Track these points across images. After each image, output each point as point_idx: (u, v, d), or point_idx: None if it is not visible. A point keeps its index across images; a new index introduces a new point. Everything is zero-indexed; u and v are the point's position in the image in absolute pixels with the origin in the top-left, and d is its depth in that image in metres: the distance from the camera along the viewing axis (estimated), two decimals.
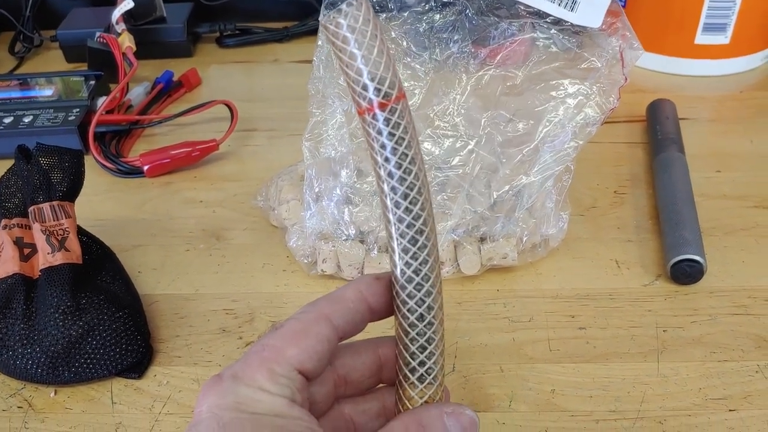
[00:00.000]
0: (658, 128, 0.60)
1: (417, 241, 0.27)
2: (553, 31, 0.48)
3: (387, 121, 0.26)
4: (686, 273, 0.46)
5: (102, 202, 0.58)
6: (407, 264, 0.27)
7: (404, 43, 0.48)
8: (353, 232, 0.48)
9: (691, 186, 0.53)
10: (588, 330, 0.44)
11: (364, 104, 0.26)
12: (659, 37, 0.71)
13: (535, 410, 0.39)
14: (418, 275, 0.27)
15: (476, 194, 0.48)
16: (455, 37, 0.49)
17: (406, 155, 0.26)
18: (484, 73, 0.48)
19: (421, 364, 0.28)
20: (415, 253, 0.27)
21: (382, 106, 0.26)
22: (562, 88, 0.47)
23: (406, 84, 0.49)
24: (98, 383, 0.42)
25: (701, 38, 0.70)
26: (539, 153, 0.47)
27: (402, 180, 0.26)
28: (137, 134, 0.66)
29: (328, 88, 0.47)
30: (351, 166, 0.49)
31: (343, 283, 0.48)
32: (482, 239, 0.48)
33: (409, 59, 0.49)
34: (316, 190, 0.49)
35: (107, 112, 0.65)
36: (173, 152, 0.60)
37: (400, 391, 0.29)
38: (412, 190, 0.27)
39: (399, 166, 0.26)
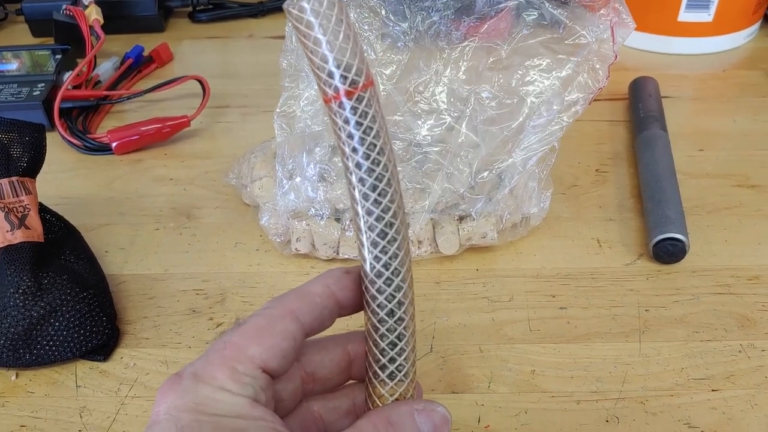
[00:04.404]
0: (641, 106, 0.59)
1: (386, 234, 0.26)
2: (542, 0, 0.47)
3: (354, 109, 0.25)
4: (669, 252, 0.45)
5: (68, 179, 0.56)
6: (376, 258, 0.26)
7: (383, 12, 0.47)
8: (328, 210, 0.46)
9: (674, 164, 0.52)
10: (569, 310, 0.43)
11: (330, 92, 0.25)
12: (642, 15, 0.70)
13: (515, 391, 0.38)
14: (387, 269, 0.26)
15: (456, 173, 0.46)
16: (437, 6, 0.47)
17: (375, 145, 0.25)
18: (467, 45, 0.47)
19: (392, 360, 0.27)
20: (384, 246, 0.26)
21: (348, 94, 0.24)
22: (549, 64, 0.46)
23: (384, 56, 0.47)
24: (62, 366, 0.40)
25: (684, 15, 0.69)
26: (523, 132, 0.46)
27: (370, 171, 0.25)
28: (105, 110, 0.64)
29: (301, 61, 0.46)
30: (325, 143, 0.47)
31: (317, 262, 0.47)
32: (461, 218, 0.47)
33: (387, 29, 0.47)
34: (289, 167, 0.47)
35: (74, 88, 0.62)
36: (143, 129, 0.58)
37: (370, 389, 0.28)
38: (380, 181, 0.26)
39: (367, 157, 0.25)
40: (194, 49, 0.76)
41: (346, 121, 0.25)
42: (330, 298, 0.28)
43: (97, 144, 0.58)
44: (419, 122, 0.47)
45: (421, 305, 0.44)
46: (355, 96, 0.24)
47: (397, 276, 0.26)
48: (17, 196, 0.42)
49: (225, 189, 0.54)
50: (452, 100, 0.47)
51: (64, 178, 0.56)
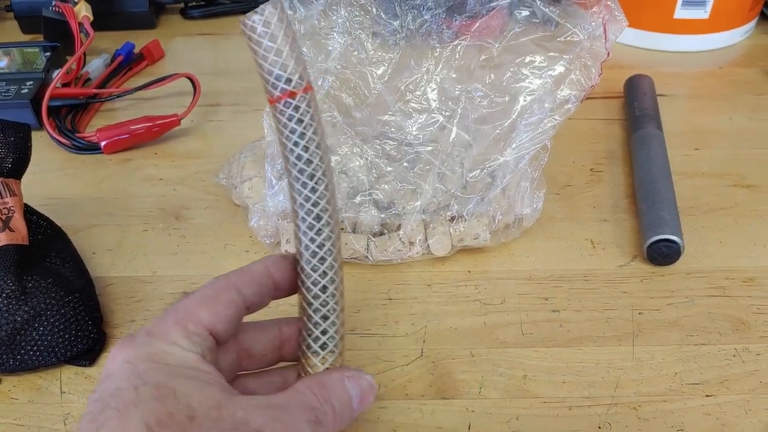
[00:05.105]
0: (636, 104, 0.58)
1: (321, 218, 0.30)
2: None
3: (296, 108, 0.29)
4: (663, 254, 0.45)
5: (56, 179, 0.55)
6: (312, 239, 0.30)
7: (374, 10, 0.46)
8: None
9: (669, 164, 0.52)
10: (562, 313, 0.43)
11: (276, 93, 0.29)
12: (638, 11, 0.69)
13: (506, 397, 0.38)
14: (322, 249, 0.30)
15: (448, 173, 0.46)
16: (428, 4, 0.47)
17: (313, 140, 0.29)
18: (458, 44, 0.46)
19: (324, 332, 0.31)
20: (320, 229, 0.30)
21: (291, 95, 0.29)
22: (541, 62, 0.45)
23: (375, 54, 0.46)
24: (46, 371, 0.40)
25: (680, 12, 0.68)
26: (515, 131, 0.45)
27: (308, 162, 0.29)
28: (95, 108, 0.63)
29: None
30: None
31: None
32: (453, 219, 0.46)
33: (378, 28, 0.46)
34: (279, 167, 0.46)
35: (64, 86, 0.62)
36: (132, 127, 0.57)
37: (303, 360, 0.32)
38: (317, 171, 0.30)
39: (306, 150, 0.29)
40: (186, 46, 0.75)
41: (289, 118, 0.29)
42: (268, 278, 0.31)
43: (85, 143, 0.57)
44: (410, 121, 0.46)
45: (413, 308, 0.43)
46: (297, 97, 0.29)
47: (330, 255, 0.31)
48: (1, 198, 0.41)
49: (215, 189, 0.53)
50: (443, 99, 0.46)
51: (53, 178, 0.56)
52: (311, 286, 0.31)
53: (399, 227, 0.45)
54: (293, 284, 0.32)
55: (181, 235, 0.49)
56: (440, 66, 0.47)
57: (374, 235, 0.46)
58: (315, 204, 0.30)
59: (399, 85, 0.46)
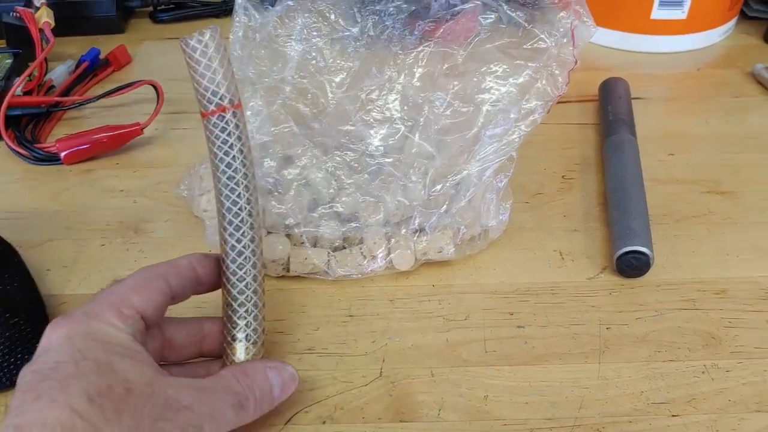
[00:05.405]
0: (610, 109, 0.57)
1: (246, 221, 0.34)
2: (500, 2, 0.45)
3: (227, 122, 0.33)
4: (632, 266, 0.43)
5: (14, 192, 0.54)
6: (238, 240, 0.34)
7: (332, 17, 0.45)
8: (277, 225, 0.44)
9: (642, 171, 0.50)
10: (527, 329, 0.41)
11: (210, 108, 0.32)
12: (614, 12, 0.68)
13: (466, 419, 0.36)
14: (247, 249, 0.34)
15: (411, 185, 0.44)
16: (390, 10, 0.45)
17: (240, 151, 0.33)
18: (422, 50, 0.45)
19: (248, 325, 0.34)
20: (245, 231, 0.34)
21: (222, 111, 0.32)
22: (506, 70, 0.44)
23: (334, 62, 0.45)
24: None
25: (658, 13, 0.67)
26: (479, 142, 0.44)
27: (235, 171, 0.33)
28: (58, 117, 0.62)
29: (246, 69, 0.44)
30: (273, 155, 0.45)
31: (267, 279, 0.45)
32: (417, 232, 0.45)
33: (337, 34, 0.45)
34: None
35: (26, 93, 0.60)
36: (93, 137, 0.56)
37: (228, 351, 0.35)
38: (245, 178, 0.33)
39: (233, 160, 0.33)
40: (155, 51, 0.73)
41: (221, 130, 0.33)
42: (193, 272, 0.34)
43: (44, 154, 0.56)
44: (372, 132, 0.45)
45: (374, 325, 0.42)
46: (227, 113, 0.33)
47: (254, 255, 0.34)
48: None
49: (176, 201, 0.52)
50: (406, 108, 0.45)
51: (11, 190, 0.54)
52: (237, 283, 0.34)
53: (361, 241, 0.44)
54: (214, 281, 0.35)
55: (140, 249, 0.48)
56: (403, 74, 0.45)
57: (335, 250, 0.44)
58: (239, 209, 0.33)
59: (360, 94, 0.45)
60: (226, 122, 0.33)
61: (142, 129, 0.57)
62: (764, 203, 0.51)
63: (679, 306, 0.42)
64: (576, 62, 0.43)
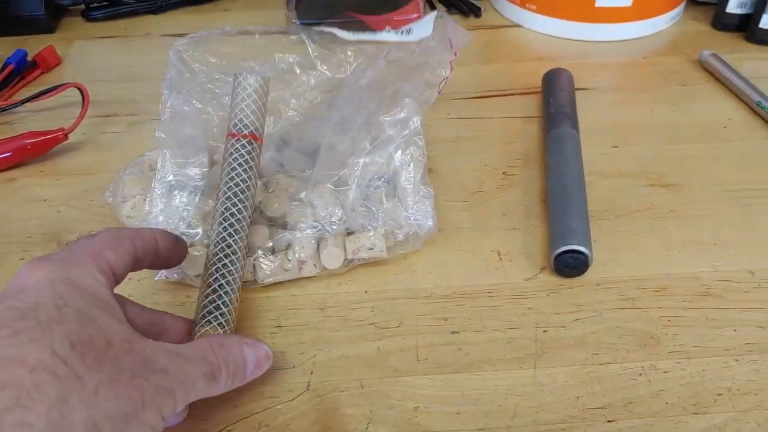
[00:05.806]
0: (552, 101, 0.55)
1: (235, 217, 0.38)
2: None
3: (243, 146, 0.39)
4: (570, 265, 0.42)
5: None
6: (230, 234, 0.37)
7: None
8: (201, 232, 0.42)
9: (583, 166, 0.49)
10: (461, 334, 0.40)
11: (237, 131, 0.39)
12: (559, 1, 0.67)
13: None
14: (236, 244, 0.38)
15: (339, 188, 0.43)
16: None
17: (247, 171, 0.39)
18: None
19: (229, 312, 0.36)
20: (237, 228, 0.38)
21: (245, 137, 0.39)
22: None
23: None
24: None
25: (602, 1, 0.66)
26: (375, 127, 0.43)
27: (243, 181, 0.39)
28: None
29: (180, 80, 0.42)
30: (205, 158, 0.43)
31: (192, 291, 0.43)
32: (349, 233, 0.43)
33: None
34: (169, 178, 0.43)
35: None
36: (13, 145, 0.53)
37: (202, 332, 0.35)
38: (248, 188, 0.39)
39: (238, 175, 0.39)
40: (86, 51, 0.70)
41: (236, 151, 0.39)
42: (155, 243, 0.35)
43: None
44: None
45: (303, 335, 0.40)
46: (248, 140, 0.39)
47: (240, 251, 0.38)
48: None
49: (102, 209, 0.49)
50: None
51: None
52: (221, 267, 0.37)
53: (289, 246, 0.42)
54: (169, 259, 0.36)
55: None
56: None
57: (264, 255, 0.42)
58: (240, 210, 0.38)
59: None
60: (243, 146, 0.39)
61: (66, 134, 0.54)
62: (707, 195, 0.49)
63: (618, 305, 0.41)
64: (456, 54, 0.44)
